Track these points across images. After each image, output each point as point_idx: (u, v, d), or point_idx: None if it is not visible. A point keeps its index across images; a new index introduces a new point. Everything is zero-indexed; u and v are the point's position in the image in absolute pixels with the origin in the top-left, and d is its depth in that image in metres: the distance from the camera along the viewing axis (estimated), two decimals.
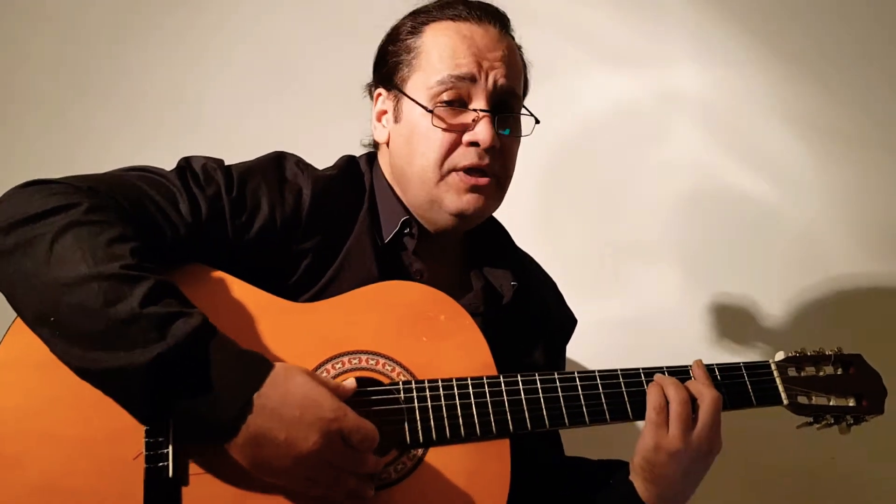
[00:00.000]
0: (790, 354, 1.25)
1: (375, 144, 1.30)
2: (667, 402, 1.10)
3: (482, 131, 1.14)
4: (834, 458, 1.91)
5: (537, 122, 1.22)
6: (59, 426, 0.94)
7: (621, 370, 1.15)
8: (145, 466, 0.93)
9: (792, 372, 1.23)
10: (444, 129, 1.15)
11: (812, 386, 1.24)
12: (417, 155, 1.17)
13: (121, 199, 1.00)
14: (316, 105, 1.89)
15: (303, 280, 1.13)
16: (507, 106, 1.19)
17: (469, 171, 1.16)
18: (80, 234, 0.92)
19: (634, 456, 1.12)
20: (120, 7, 1.89)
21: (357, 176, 1.24)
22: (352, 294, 1.11)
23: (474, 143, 1.15)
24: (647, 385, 1.14)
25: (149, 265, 0.94)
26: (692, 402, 1.11)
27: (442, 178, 1.16)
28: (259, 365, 0.94)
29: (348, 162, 1.26)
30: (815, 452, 1.88)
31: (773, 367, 1.22)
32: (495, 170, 1.17)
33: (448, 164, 1.16)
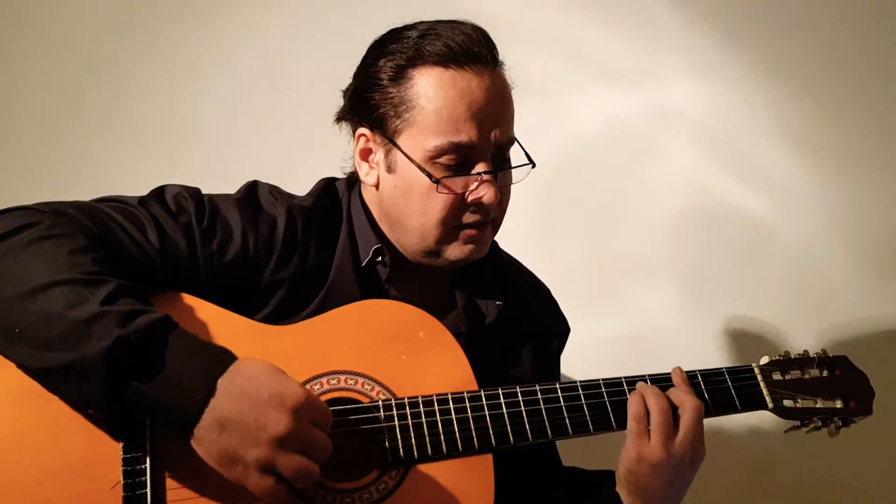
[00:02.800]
0: (774, 358, 1.24)
1: (354, 173, 1.26)
2: (647, 412, 1.09)
3: (486, 194, 1.11)
4: (833, 475, 1.89)
5: (533, 166, 1.18)
6: (36, 458, 0.93)
7: (603, 380, 1.14)
8: (123, 495, 0.92)
9: (777, 376, 1.22)
10: (447, 194, 1.12)
11: (798, 389, 1.23)
12: (416, 213, 1.14)
13: (86, 222, 1.01)
14: (312, 120, 1.86)
15: (281, 310, 1.12)
16: (504, 153, 1.16)
17: (472, 226, 1.15)
18: (42, 246, 0.93)
19: (618, 467, 1.11)
20: (116, 25, 1.92)
21: (334, 202, 1.23)
22: (329, 315, 1.11)
23: (478, 203, 1.13)
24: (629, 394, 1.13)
25: (110, 272, 0.94)
26: (673, 411, 1.10)
27: (444, 235, 1.15)
28: (222, 354, 0.93)
29: (324, 187, 1.24)
30: (813, 470, 1.87)
31: (756, 371, 1.21)
32: (494, 215, 1.17)
33: (452, 223, 1.14)
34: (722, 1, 2.02)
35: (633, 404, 1.10)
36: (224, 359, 0.92)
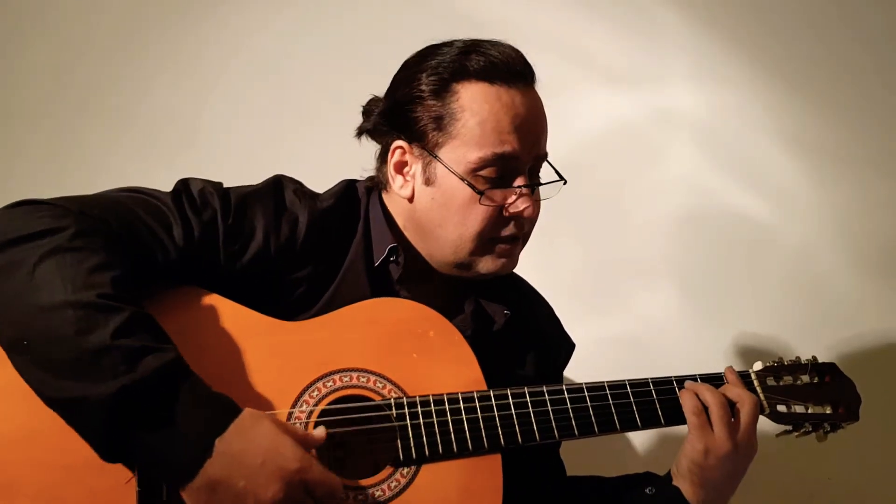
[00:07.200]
0: (768, 364, 1.28)
1: (379, 183, 1.25)
2: (704, 406, 1.13)
3: (526, 207, 1.13)
4: (831, 478, 1.90)
5: (564, 182, 1.21)
6: (50, 454, 0.92)
7: (607, 382, 1.17)
8: (137, 490, 0.92)
9: (771, 381, 1.26)
10: (488, 207, 1.13)
11: (790, 395, 1.26)
12: (454, 224, 1.15)
13: (112, 223, 0.99)
14: (311, 119, 1.89)
15: (297, 306, 1.13)
16: (538, 169, 1.19)
17: (507, 240, 1.16)
18: (62, 260, 0.91)
19: (679, 460, 1.15)
20: (115, 23, 1.89)
21: (353, 203, 1.23)
22: (341, 312, 1.11)
23: (517, 216, 1.15)
24: (630, 397, 1.16)
25: (128, 296, 0.92)
26: (731, 406, 1.15)
27: (479, 247, 1.16)
28: (226, 409, 0.92)
29: (346, 188, 1.24)
30: (811, 473, 1.88)
31: (753, 376, 1.25)
32: (527, 230, 1.19)
33: (489, 235, 1.15)
34: (726, 4, 2.02)
35: (687, 400, 1.14)
36: (226, 415, 0.91)
